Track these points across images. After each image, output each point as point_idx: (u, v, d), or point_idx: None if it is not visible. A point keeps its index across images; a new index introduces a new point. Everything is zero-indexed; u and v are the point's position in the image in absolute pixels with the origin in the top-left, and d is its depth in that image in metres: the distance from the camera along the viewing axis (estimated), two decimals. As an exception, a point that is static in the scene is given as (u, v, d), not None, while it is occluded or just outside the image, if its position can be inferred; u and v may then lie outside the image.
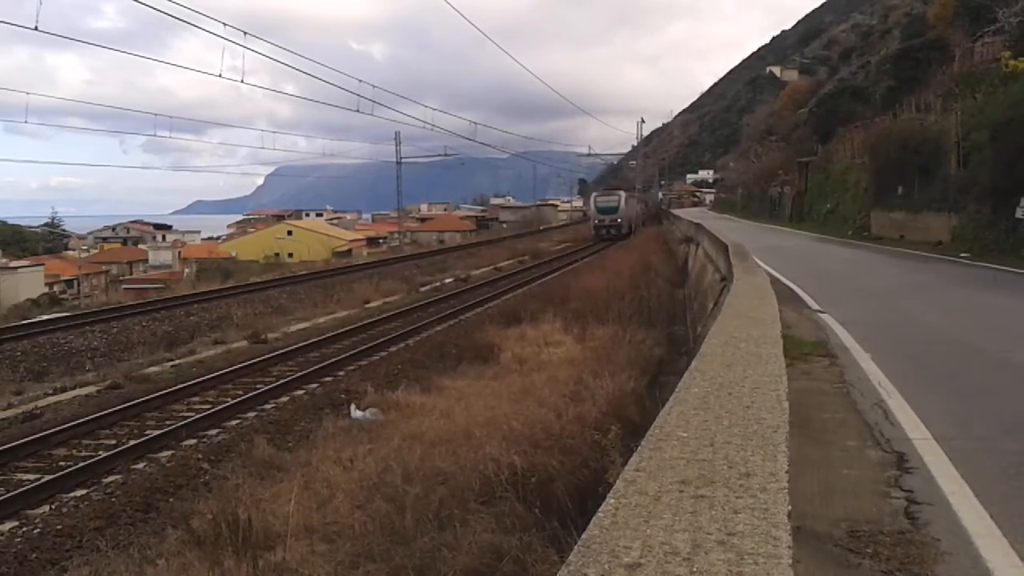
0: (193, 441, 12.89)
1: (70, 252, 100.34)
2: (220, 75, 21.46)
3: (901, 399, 9.10)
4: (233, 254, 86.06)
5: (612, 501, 2.94)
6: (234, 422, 13.95)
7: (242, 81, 22.80)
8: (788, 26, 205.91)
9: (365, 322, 24.20)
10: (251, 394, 15.44)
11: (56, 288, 67.94)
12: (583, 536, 2.63)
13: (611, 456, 9.02)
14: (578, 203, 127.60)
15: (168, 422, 13.88)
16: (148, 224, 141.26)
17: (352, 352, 19.36)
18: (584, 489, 9.42)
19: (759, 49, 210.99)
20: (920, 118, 44.91)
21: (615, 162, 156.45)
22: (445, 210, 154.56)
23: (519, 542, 7.87)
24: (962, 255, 30.49)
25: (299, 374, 17.08)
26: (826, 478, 6.40)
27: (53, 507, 10.29)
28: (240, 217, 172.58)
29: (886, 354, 11.74)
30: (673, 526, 2.68)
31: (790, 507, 2.89)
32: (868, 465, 6.86)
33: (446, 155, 55.82)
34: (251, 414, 14.40)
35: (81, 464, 11.57)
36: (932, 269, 27.00)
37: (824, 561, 4.93)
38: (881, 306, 18.14)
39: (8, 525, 9.75)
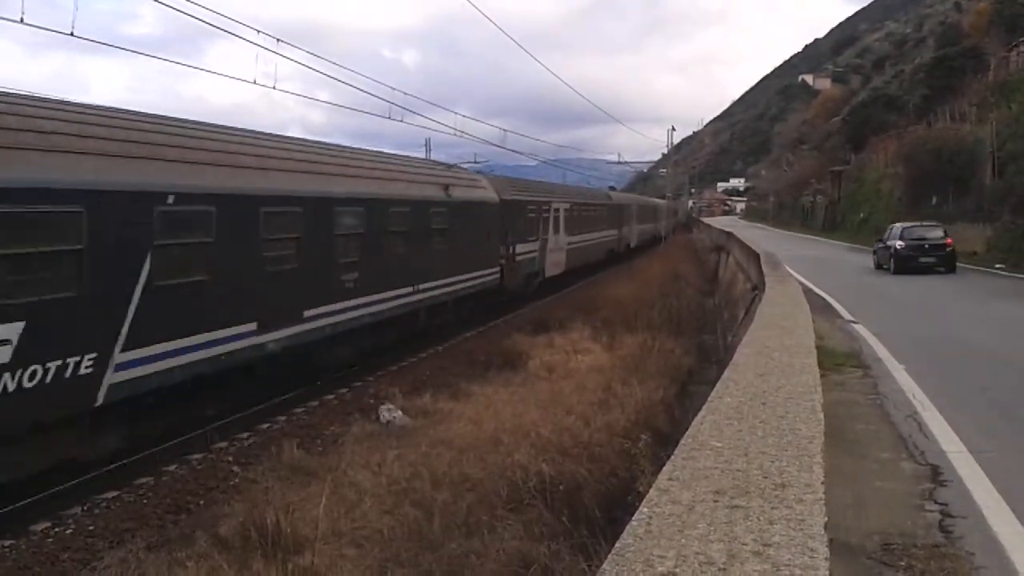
0: (224, 444, 12.96)
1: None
2: (255, 82, 21.58)
3: (935, 411, 9.01)
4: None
5: (645, 510, 2.92)
6: (264, 425, 14.01)
7: (275, 88, 22.96)
8: (821, 34, 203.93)
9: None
10: (282, 397, 15.49)
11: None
12: (617, 545, 2.62)
13: (641, 465, 8.99)
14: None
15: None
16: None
17: (381, 357, 19.36)
18: (612, 498, 9.39)
19: (791, 57, 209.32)
20: (955, 128, 44.53)
21: (644, 170, 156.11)
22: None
23: (547, 550, 7.85)
24: (997, 266, 30.14)
25: (328, 378, 17.10)
26: (859, 490, 6.34)
27: (85, 508, 10.38)
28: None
29: (920, 366, 11.63)
30: (708, 536, 2.66)
31: (826, 519, 2.86)
32: (902, 477, 6.79)
33: (475, 162, 55.90)
34: (281, 418, 14.46)
35: (113, 465, 11.64)
36: (967, 280, 26.71)
37: (857, 574, 4.88)
38: (915, 317, 17.98)
39: (41, 525, 9.85)
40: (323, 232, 14.25)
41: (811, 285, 21.34)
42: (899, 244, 30.19)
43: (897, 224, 33.04)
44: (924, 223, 32.29)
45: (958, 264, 29.76)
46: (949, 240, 30.25)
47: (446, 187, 21.55)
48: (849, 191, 65.96)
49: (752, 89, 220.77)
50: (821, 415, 4.53)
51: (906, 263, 29.36)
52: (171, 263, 10.95)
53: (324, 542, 8.26)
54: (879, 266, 31.85)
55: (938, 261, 29.31)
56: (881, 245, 32.23)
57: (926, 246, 29.80)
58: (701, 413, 4.56)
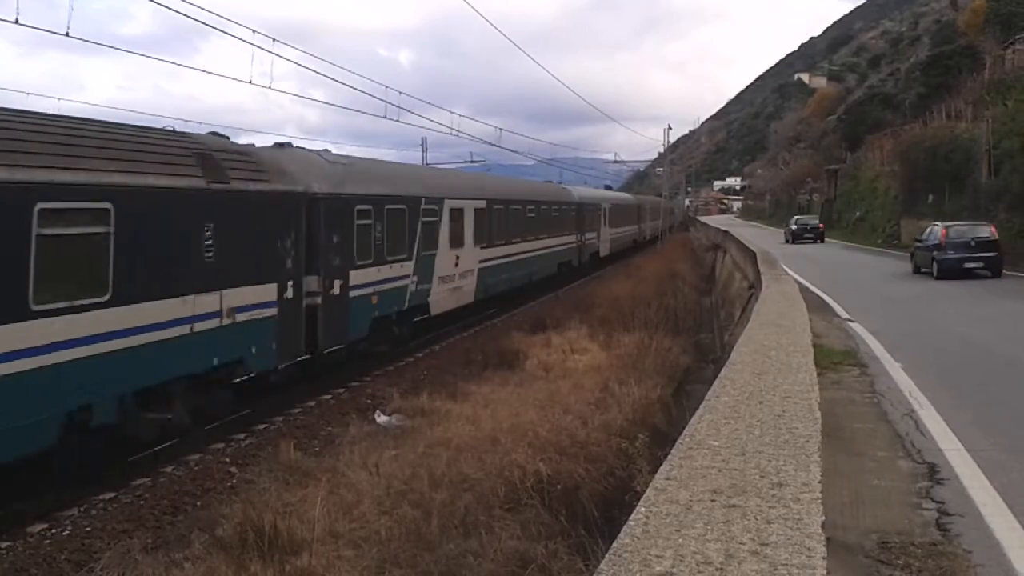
0: (221, 445, 12.95)
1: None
2: (250, 81, 21.47)
3: (932, 409, 9.02)
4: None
5: (643, 510, 2.92)
6: (261, 426, 14.00)
7: (270, 87, 22.82)
8: (817, 32, 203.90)
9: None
10: (279, 398, 15.46)
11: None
12: (614, 544, 2.62)
13: (638, 464, 8.99)
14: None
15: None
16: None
17: (377, 357, 19.34)
18: (610, 497, 9.40)
19: (787, 55, 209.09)
20: (950, 126, 44.54)
21: (641, 169, 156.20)
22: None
23: (545, 549, 7.84)
24: (994, 264, 30.10)
25: (325, 378, 17.07)
26: (856, 488, 6.34)
27: (82, 509, 10.37)
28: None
29: (917, 364, 11.64)
30: (705, 536, 2.66)
31: (823, 518, 2.86)
32: (899, 476, 6.79)
33: (472, 161, 55.84)
34: (278, 418, 14.44)
35: (110, 465, 11.61)
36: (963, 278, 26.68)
37: (854, 572, 4.88)
38: (912, 315, 18.00)
39: (38, 526, 9.83)
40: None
41: (806, 283, 21.35)
42: (794, 227, 54.48)
43: (794, 216, 61.27)
44: (807, 216, 61.45)
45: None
46: (821, 225, 54.55)
47: None
48: (845, 189, 66.03)
49: (748, 88, 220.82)
50: (818, 414, 4.53)
51: (795, 238, 52.28)
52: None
53: (321, 543, 8.24)
54: (786, 240, 52.02)
55: (814, 237, 52.21)
56: (786, 228, 56.74)
57: (808, 227, 53.98)
58: (698, 412, 4.56)
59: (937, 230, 27.69)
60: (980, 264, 26.15)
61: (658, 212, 69.99)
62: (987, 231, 27.40)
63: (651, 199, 75.55)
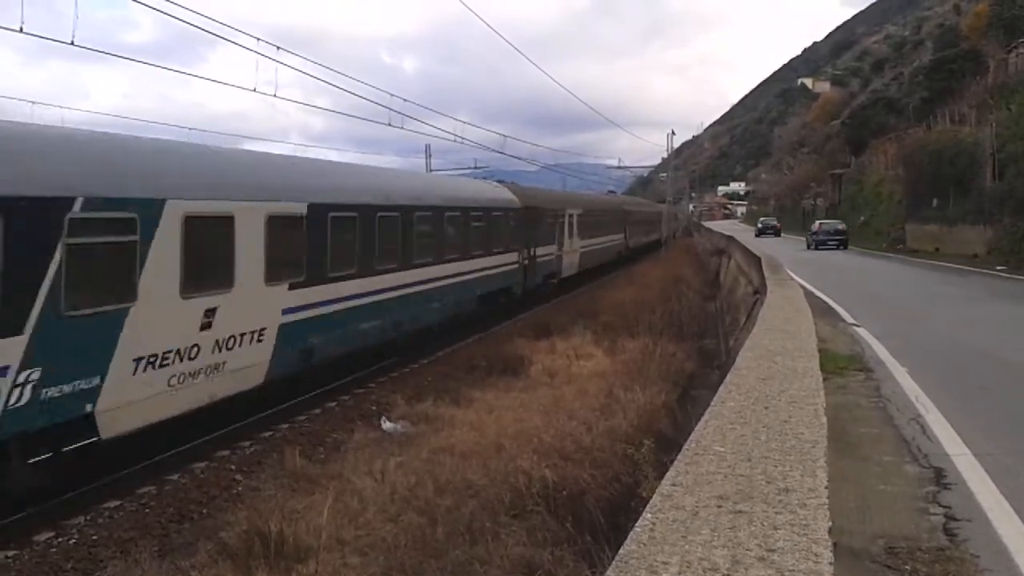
0: (226, 452, 12.95)
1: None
2: (254, 89, 21.52)
3: (938, 414, 9.00)
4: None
5: (649, 516, 2.92)
6: (267, 433, 14.00)
7: (275, 95, 22.92)
8: (820, 37, 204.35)
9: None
10: (284, 405, 15.48)
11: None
12: (620, 551, 2.62)
13: (644, 470, 8.97)
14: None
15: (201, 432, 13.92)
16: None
17: (382, 364, 19.35)
18: (616, 503, 9.37)
19: (790, 60, 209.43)
20: (955, 130, 44.55)
21: (645, 174, 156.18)
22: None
23: (551, 556, 7.83)
24: (998, 268, 30.17)
25: (331, 386, 17.09)
26: (863, 494, 6.33)
27: (88, 517, 10.37)
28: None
29: (922, 368, 11.62)
30: (712, 542, 2.66)
31: (830, 523, 2.86)
32: (905, 480, 6.78)
33: (476, 168, 55.76)
34: (283, 425, 14.45)
35: (116, 474, 11.63)
36: (968, 282, 26.74)
37: (862, 578, 4.87)
38: (917, 320, 17.97)
39: (44, 534, 9.84)
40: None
41: (811, 288, 21.34)
42: (759, 226, 72.57)
43: (760, 218, 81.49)
44: (768, 218, 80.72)
45: (960, 267, 32.30)
46: (778, 225, 73.00)
47: None
48: (849, 194, 66.09)
49: (751, 93, 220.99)
50: (824, 419, 4.52)
51: (761, 233, 66.79)
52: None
53: (327, 550, 8.25)
54: (756, 236, 63.09)
55: (774, 233, 68.47)
56: (755, 227, 74.42)
57: (770, 225, 72.06)
58: (704, 418, 4.55)
59: (816, 224, 53.90)
60: (836, 243, 49.00)
61: (619, 216, 49.09)
62: (841, 225, 51.98)
63: (598, 195, 55.70)
